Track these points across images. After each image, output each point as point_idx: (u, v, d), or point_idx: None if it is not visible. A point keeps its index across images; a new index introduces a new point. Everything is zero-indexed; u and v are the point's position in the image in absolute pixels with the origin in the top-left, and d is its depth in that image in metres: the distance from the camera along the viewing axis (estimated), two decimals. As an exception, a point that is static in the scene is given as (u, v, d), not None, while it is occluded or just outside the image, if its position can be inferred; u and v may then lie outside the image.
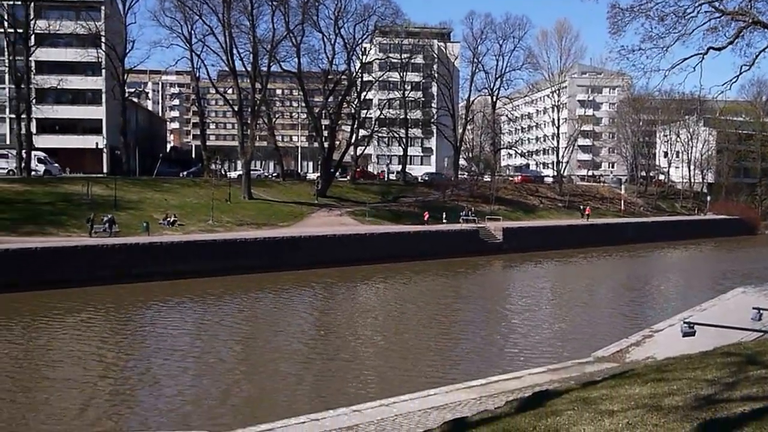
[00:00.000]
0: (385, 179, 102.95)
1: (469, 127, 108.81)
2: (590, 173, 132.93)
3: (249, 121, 79.77)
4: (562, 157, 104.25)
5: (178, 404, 22.94)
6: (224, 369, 27.30)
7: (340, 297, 46.16)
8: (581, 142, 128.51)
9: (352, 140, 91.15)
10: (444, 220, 73.89)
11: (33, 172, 74.00)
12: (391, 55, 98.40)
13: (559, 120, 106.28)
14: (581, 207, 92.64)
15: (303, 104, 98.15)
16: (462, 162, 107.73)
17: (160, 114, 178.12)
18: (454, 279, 54.66)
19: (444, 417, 13.61)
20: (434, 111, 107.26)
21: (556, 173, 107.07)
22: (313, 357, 29.63)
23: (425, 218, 73.26)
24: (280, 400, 23.24)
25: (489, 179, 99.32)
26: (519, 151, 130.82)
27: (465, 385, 17.39)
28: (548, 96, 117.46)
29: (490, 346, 31.81)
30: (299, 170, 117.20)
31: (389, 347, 31.51)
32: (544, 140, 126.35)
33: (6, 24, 75.01)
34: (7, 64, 78.51)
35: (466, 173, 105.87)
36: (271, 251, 54.21)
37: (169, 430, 15.25)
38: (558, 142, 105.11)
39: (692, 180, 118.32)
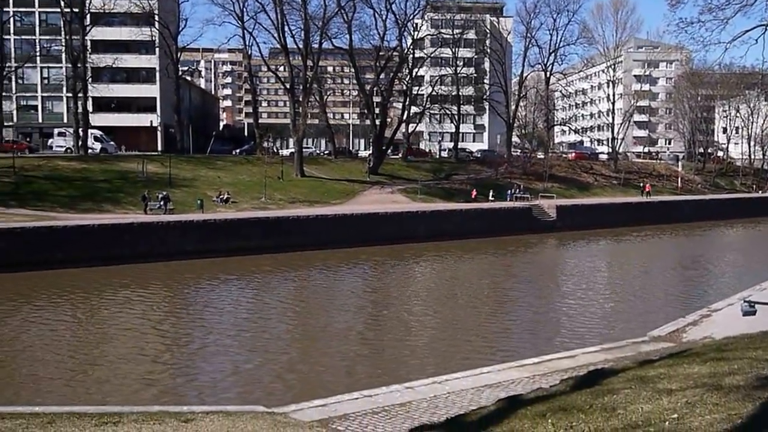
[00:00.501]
0: (437, 156, 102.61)
1: (522, 103, 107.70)
2: (646, 150, 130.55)
3: (301, 99, 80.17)
4: (618, 133, 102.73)
5: (234, 380, 23.29)
6: (278, 345, 27.61)
7: (391, 275, 46.29)
8: (637, 118, 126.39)
9: (404, 117, 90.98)
10: (491, 198, 73.30)
11: (90, 150, 75.51)
12: (442, 30, 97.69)
13: (614, 95, 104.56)
14: (641, 184, 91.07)
15: (354, 81, 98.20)
16: (515, 139, 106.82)
17: (213, 92, 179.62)
18: (505, 257, 54.40)
19: (497, 395, 13.60)
20: (486, 87, 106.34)
21: (611, 150, 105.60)
22: (365, 334, 29.84)
23: (473, 196, 72.92)
24: (333, 377, 23.44)
25: (542, 156, 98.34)
26: (573, 128, 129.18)
27: (518, 363, 17.35)
28: (603, 71, 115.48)
29: (543, 325, 31.62)
30: (351, 148, 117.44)
31: (441, 325, 31.51)
32: (599, 116, 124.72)
33: (62, 4, 76.29)
34: (63, 44, 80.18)
35: (519, 150, 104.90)
36: (323, 229, 54.52)
37: (226, 405, 15.50)
38: (613, 118, 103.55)
39: (752, 157, 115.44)
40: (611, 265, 52.62)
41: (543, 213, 69.07)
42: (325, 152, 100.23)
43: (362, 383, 20.11)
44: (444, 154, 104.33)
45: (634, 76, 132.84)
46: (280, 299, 37.18)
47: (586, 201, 79.01)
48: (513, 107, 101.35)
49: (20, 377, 23.60)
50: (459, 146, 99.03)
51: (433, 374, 17.68)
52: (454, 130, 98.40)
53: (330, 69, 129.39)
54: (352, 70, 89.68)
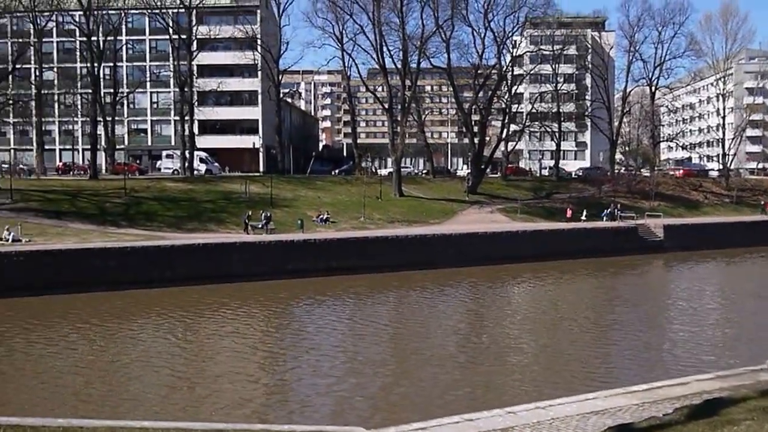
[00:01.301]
0: (537, 175, 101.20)
1: (625, 119, 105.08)
2: (761, 166, 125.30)
3: (399, 118, 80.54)
4: (729, 149, 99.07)
5: (329, 401, 23.34)
6: (374, 367, 27.51)
7: (488, 296, 45.70)
8: (750, 132, 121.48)
9: (503, 135, 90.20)
10: (583, 218, 71.05)
11: (195, 172, 77.75)
12: (542, 47, 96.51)
13: (725, 110, 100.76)
14: (761, 202, 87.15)
15: (453, 100, 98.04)
16: (618, 156, 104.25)
17: (313, 113, 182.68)
18: (609, 278, 53.02)
19: (604, 423, 13.14)
20: (588, 103, 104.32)
21: (722, 167, 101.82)
22: (463, 357, 29.46)
23: (567, 215, 71.22)
24: (432, 399, 23.17)
25: (648, 174, 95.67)
26: (680, 144, 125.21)
27: (625, 390, 16.72)
28: (712, 84, 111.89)
29: (650, 350, 30.55)
30: (449, 167, 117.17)
31: (541, 349, 30.85)
32: (708, 131, 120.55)
33: (171, 31, 79.26)
34: (171, 69, 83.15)
35: (623, 168, 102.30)
36: (422, 248, 54.36)
37: (324, 426, 15.50)
38: (724, 133, 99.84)
39: None
40: (722, 288, 50.48)
41: (649, 233, 67.04)
42: (424, 171, 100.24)
43: (461, 407, 19.81)
44: (545, 172, 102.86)
45: (746, 88, 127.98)
46: (375, 320, 37.15)
47: (696, 220, 76.26)
48: (616, 123, 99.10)
49: (120, 393, 24.24)
50: (560, 164, 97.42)
51: (535, 399, 17.23)
52: (554, 147, 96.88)
53: (428, 88, 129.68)
54: (451, 88, 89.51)
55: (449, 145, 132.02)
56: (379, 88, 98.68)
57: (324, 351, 29.97)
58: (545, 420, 14.07)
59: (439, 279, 49.00)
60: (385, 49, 78.61)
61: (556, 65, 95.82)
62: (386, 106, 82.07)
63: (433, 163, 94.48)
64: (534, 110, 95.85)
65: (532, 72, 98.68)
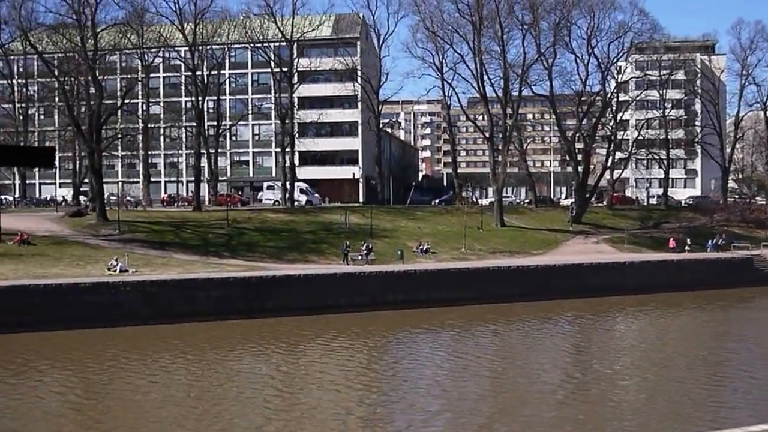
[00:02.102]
0: (645, 204, 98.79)
1: (738, 145, 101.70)
2: None
3: (500, 147, 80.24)
4: None
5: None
6: (471, 403, 27.31)
7: (591, 329, 44.87)
8: None
9: (608, 164, 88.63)
10: (687, 248, 68.36)
11: (296, 202, 79.19)
12: (648, 72, 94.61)
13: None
14: None
15: (555, 128, 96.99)
16: (731, 184, 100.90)
17: (412, 143, 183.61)
18: (720, 312, 51.26)
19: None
20: (698, 129, 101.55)
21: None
22: (562, 394, 28.89)
23: (671, 245, 68.74)
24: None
25: (763, 202, 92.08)
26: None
27: (742, 430, 16.14)
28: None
29: (765, 389, 29.26)
30: (552, 196, 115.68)
31: (648, 386, 30.02)
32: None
33: (272, 64, 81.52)
34: (273, 102, 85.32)
35: (737, 196, 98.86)
36: (524, 280, 53.73)
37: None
38: None
39: None
40: None
41: (766, 264, 64.37)
42: (526, 201, 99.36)
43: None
44: (652, 201, 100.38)
45: None
46: (473, 354, 36.91)
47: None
48: (728, 150, 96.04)
49: (214, 424, 24.73)
50: (669, 192, 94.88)
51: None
52: (662, 175, 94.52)
53: (530, 116, 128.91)
54: (553, 116, 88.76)
55: (552, 173, 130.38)
56: (480, 117, 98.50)
57: (419, 385, 30.00)
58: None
59: (541, 311, 48.35)
60: (485, 77, 78.78)
61: (664, 91, 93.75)
62: (487, 134, 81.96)
63: (535, 192, 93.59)
64: (641, 137, 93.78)
65: (638, 98, 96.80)
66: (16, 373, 31.39)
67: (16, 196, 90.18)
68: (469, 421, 25.05)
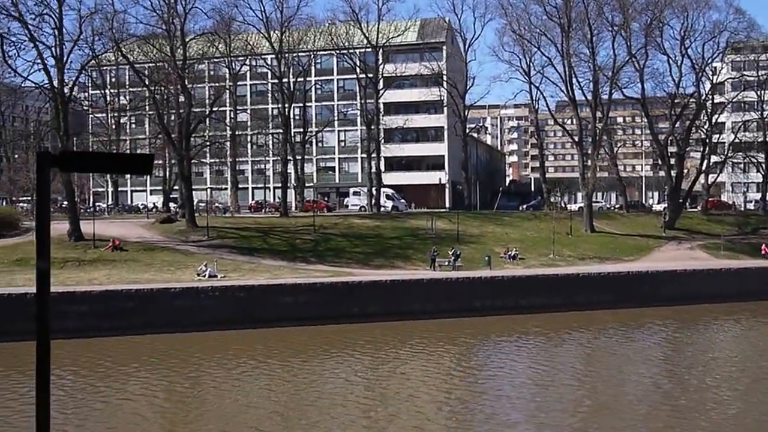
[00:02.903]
0: (742, 209, 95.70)
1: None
2: None
3: (590, 152, 78.99)
4: None
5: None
6: (554, 413, 26.88)
7: (683, 339, 43.76)
8: None
9: (703, 168, 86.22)
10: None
11: (382, 208, 79.56)
12: (746, 72, 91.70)
13: None
14: None
15: (647, 131, 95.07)
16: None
17: (499, 147, 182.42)
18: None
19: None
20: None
21: None
22: (653, 407, 28.27)
23: (763, 252, 66.08)
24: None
25: None
26: None
27: None
28: None
29: None
30: (643, 201, 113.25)
31: (742, 401, 28.95)
32: None
33: (358, 70, 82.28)
34: (358, 108, 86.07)
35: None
36: (614, 287, 52.78)
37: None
38: None
39: None
40: None
41: None
42: (616, 206, 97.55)
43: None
44: (750, 206, 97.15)
45: None
46: (558, 363, 36.53)
47: None
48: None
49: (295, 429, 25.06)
50: (766, 198, 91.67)
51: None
52: (761, 179, 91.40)
53: (620, 119, 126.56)
54: (645, 119, 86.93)
55: (643, 178, 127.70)
56: (568, 121, 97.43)
57: (502, 393, 29.74)
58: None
59: (631, 319, 47.38)
60: (574, 80, 77.61)
61: (762, 92, 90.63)
62: (576, 139, 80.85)
63: (626, 197, 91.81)
64: (737, 140, 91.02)
65: (734, 100, 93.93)
66: (104, 376, 32.40)
67: (109, 203, 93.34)
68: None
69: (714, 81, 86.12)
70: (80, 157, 6.43)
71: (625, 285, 53.22)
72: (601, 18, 76.30)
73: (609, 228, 73.97)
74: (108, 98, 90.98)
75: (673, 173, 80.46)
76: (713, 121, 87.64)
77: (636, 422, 25.64)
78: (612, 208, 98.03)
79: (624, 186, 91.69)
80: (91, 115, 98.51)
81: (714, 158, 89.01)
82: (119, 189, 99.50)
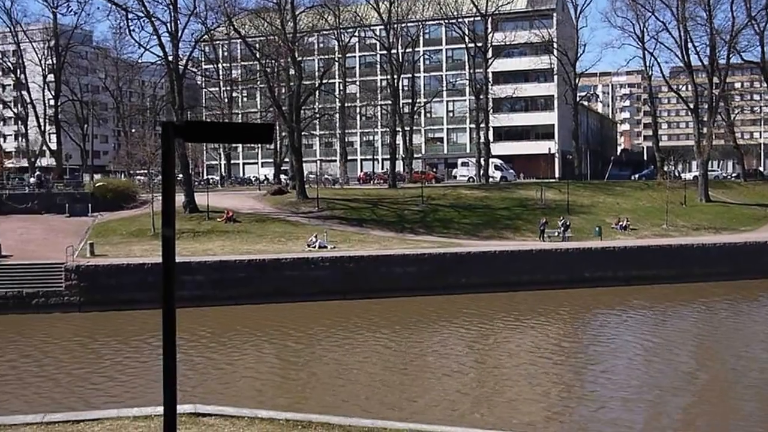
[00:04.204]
0: None
1: None
2: None
3: (705, 119, 76.36)
4: None
5: (628, 418, 22.75)
6: (664, 392, 26.25)
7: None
8: None
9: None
10: None
11: (490, 179, 79.05)
12: None
13: None
14: None
15: (766, 97, 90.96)
16: None
17: (610, 116, 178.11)
18: None
19: None
20: None
21: None
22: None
23: None
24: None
25: None
26: None
27: None
28: None
29: None
30: (762, 169, 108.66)
31: None
32: None
33: (467, 40, 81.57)
34: (467, 77, 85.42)
35: None
36: (731, 258, 50.98)
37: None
38: None
39: None
40: None
41: None
42: (733, 175, 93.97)
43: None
44: None
45: None
46: (674, 336, 35.51)
47: None
48: None
49: (410, 395, 25.29)
50: None
51: None
52: None
53: (738, 85, 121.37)
54: (764, 84, 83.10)
55: (762, 146, 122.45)
56: (683, 87, 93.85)
57: (611, 365, 29.33)
58: None
59: (749, 291, 45.61)
60: (690, 45, 74.83)
61: None
62: (691, 106, 78.07)
63: (743, 165, 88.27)
64: None
65: None
66: (222, 343, 33.37)
67: (222, 175, 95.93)
68: (665, 408, 24.18)
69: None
70: (204, 126, 6.66)
71: (744, 256, 51.26)
72: (720, -21, 73.36)
73: (725, 197, 71.43)
74: (220, 72, 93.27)
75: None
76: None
77: (751, 401, 24.88)
78: (728, 176, 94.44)
79: (741, 154, 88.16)
80: (204, 89, 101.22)
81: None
82: (231, 162, 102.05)
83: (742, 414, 23.25)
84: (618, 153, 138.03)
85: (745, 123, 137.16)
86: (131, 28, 57.36)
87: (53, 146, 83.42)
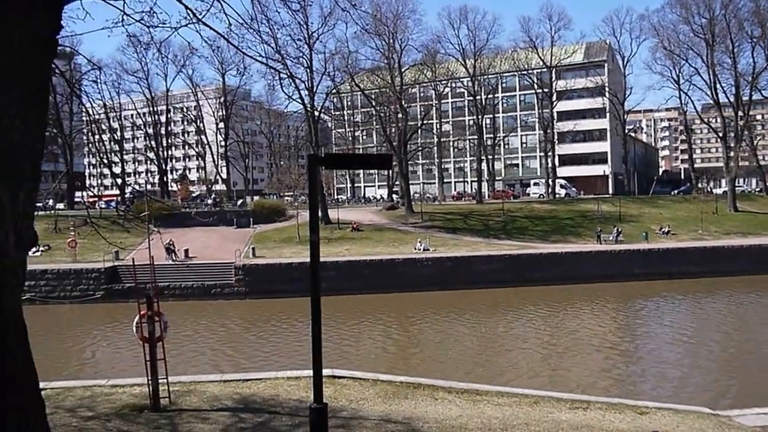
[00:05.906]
0: None
1: None
2: None
3: (732, 145, 72.59)
4: None
5: (676, 384, 21.75)
6: (717, 356, 25.00)
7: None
8: None
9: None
10: None
11: (557, 195, 77.40)
12: None
13: None
14: None
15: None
16: None
17: (653, 144, 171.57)
18: None
19: None
20: None
21: None
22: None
23: None
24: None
25: None
26: None
27: None
28: None
29: None
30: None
31: None
32: None
33: (536, 87, 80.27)
34: (537, 116, 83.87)
35: None
36: (754, 257, 48.24)
37: (675, 404, 14.47)
38: None
39: None
40: None
41: None
42: (757, 190, 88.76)
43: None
44: None
45: None
46: (715, 318, 33.75)
47: None
48: None
49: (500, 364, 24.89)
50: None
51: None
52: None
53: (759, 117, 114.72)
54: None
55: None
56: (713, 120, 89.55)
57: (666, 340, 28.07)
58: None
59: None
60: (718, 86, 71.65)
61: None
62: (720, 135, 74.45)
63: (765, 182, 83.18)
64: None
65: None
66: (353, 323, 33.77)
67: (348, 195, 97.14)
68: (717, 369, 23.01)
69: None
70: (340, 157, 6.80)
71: (764, 255, 48.42)
72: (742, 32, 70.29)
73: (750, 208, 67.69)
74: (345, 117, 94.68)
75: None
76: None
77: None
78: (753, 191, 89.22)
79: (764, 172, 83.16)
80: (333, 130, 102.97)
81: None
82: (355, 185, 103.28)
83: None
84: (660, 173, 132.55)
85: (767, 147, 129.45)
86: (280, 85, 58.97)
87: (224, 176, 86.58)
